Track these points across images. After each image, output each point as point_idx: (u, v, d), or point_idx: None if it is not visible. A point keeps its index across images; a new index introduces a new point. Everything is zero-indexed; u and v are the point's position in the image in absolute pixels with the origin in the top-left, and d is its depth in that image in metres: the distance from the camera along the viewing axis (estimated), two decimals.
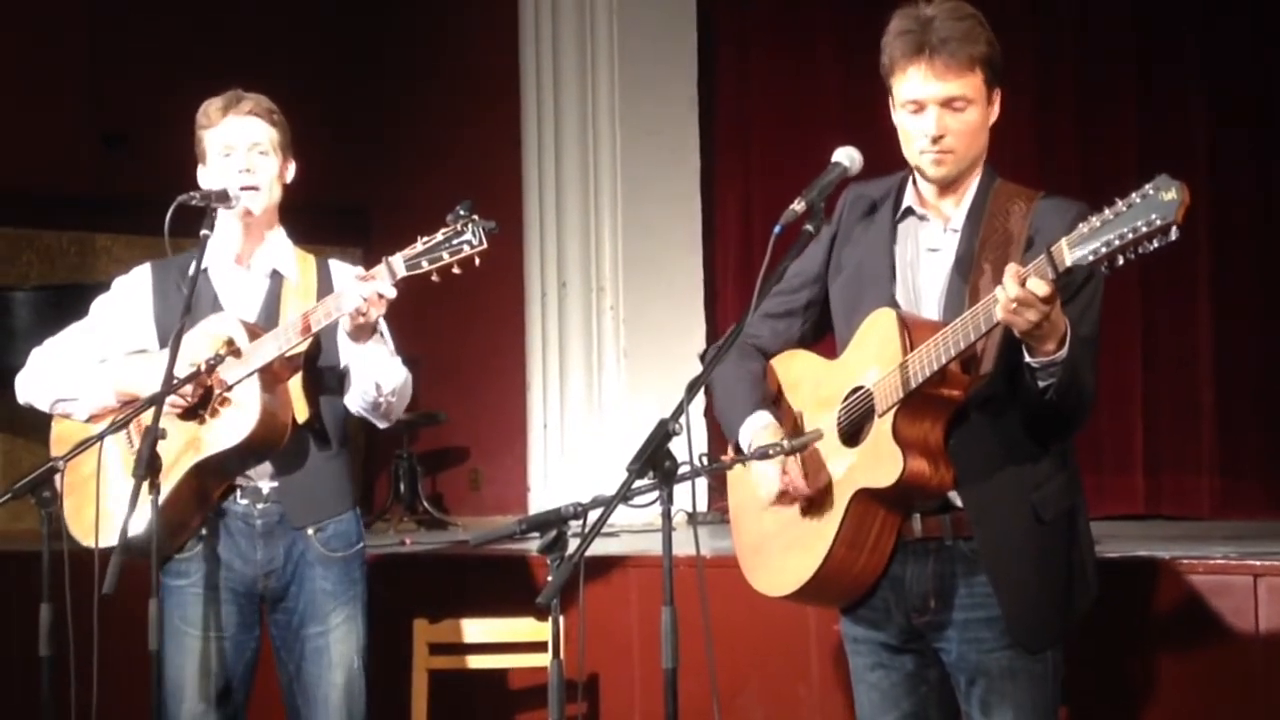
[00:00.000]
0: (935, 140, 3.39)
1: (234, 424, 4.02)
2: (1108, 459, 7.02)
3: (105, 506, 3.93)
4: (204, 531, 4.14)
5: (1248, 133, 7.00)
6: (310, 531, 4.16)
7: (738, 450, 3.63)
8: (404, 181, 8.57)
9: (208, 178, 4.18)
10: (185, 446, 4.03)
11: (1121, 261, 3.03)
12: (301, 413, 4.09)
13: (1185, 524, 6.76)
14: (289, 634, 4.19)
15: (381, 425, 4.26)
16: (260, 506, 4.14)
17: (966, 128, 3.40)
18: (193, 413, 4.05)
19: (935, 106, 3.38)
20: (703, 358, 3.78)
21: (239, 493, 4.14)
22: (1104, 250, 3.02)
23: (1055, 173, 7.04)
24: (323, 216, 7.94)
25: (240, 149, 4.14)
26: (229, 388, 4.01)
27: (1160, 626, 4.31)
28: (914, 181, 3.53)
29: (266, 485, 4.15)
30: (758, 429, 3.56)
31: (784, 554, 3.57)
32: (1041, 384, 3.24)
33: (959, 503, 3.41)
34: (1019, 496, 3.38)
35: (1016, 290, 3.10)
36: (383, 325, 4.12)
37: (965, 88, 3.37)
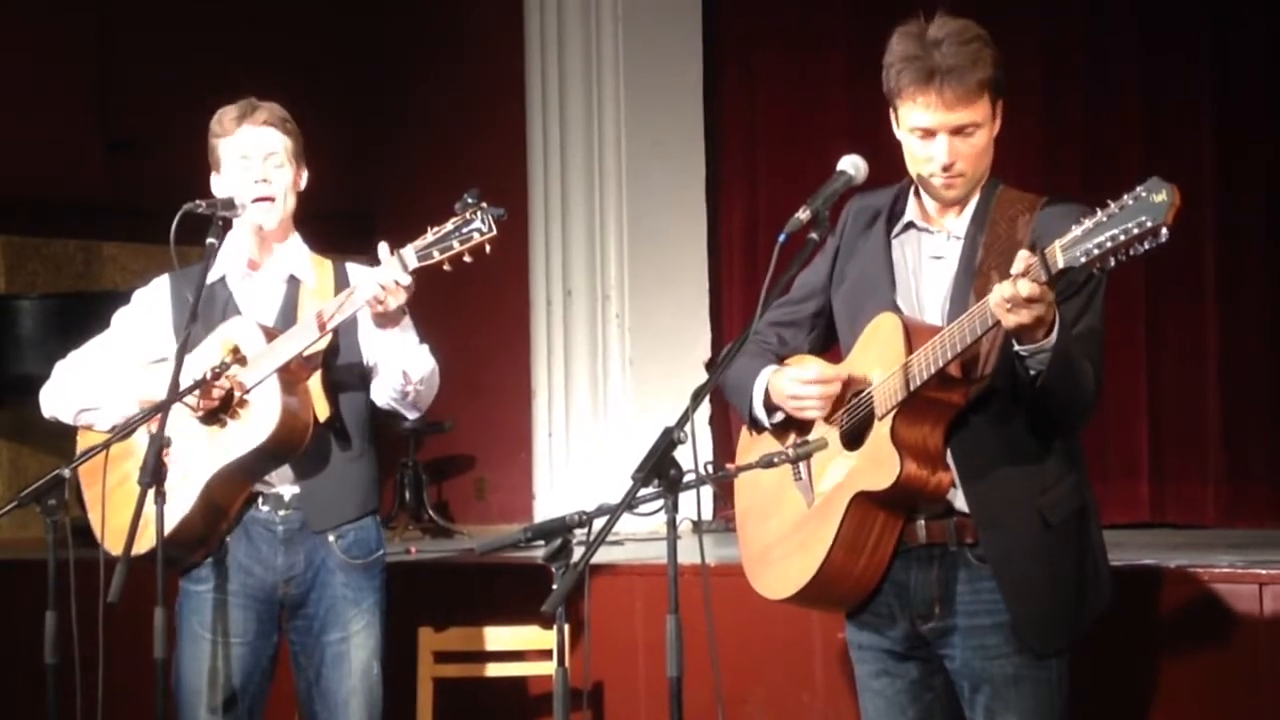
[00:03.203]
0: (946, 168, 3.40)
1: (254, 426, 4.02)
2: (1113, 466, 7.01)
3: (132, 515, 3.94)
4: (229, 538, 4.14)
5: (1255, 134, 7.00)
6: (331, 538, 4.15)
7: (752, 423, 3.64)
8: (409, 189, 8.58)
9: (221, 186, 4.18)
10: (208, 451, 4.03)
11: (1114, 263, 3.05)
12: (322, 412, 4.09)
13: (1191, 532, 6.76)
14: (309, 639, 4.19)
15: (410, 415, 4.25)
16: (282, 513, 4.14)
17: (975, 150, 3.41)
18: (214, 417, 4.05)
19: (945, 135, 3.38)
20: (709, 366, 3.78)
21: (261, 499, 4.15)
22: (1095, 252, 3.03)
23: (1061, 174, 7.05)
24: (328, 223, 7.91)
25: (256, 159, 4.14)
26: (247, 390, 4.02)
27: (1165, 635, 4.31)
28: (915, 193, 3.54)
29: (288, 492, 4.14)
30: (770, 377, 3.57)
31: (786, 558, 3.58)
32: (1032, 371, 3.25)
33: (962, 507, 3.41)
34: (1025, 501, 3.39)
35: (1010, 290, 3.11)
36: (407, 314, 4.12)
37: (974, 114, 3.37)
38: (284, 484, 4.14)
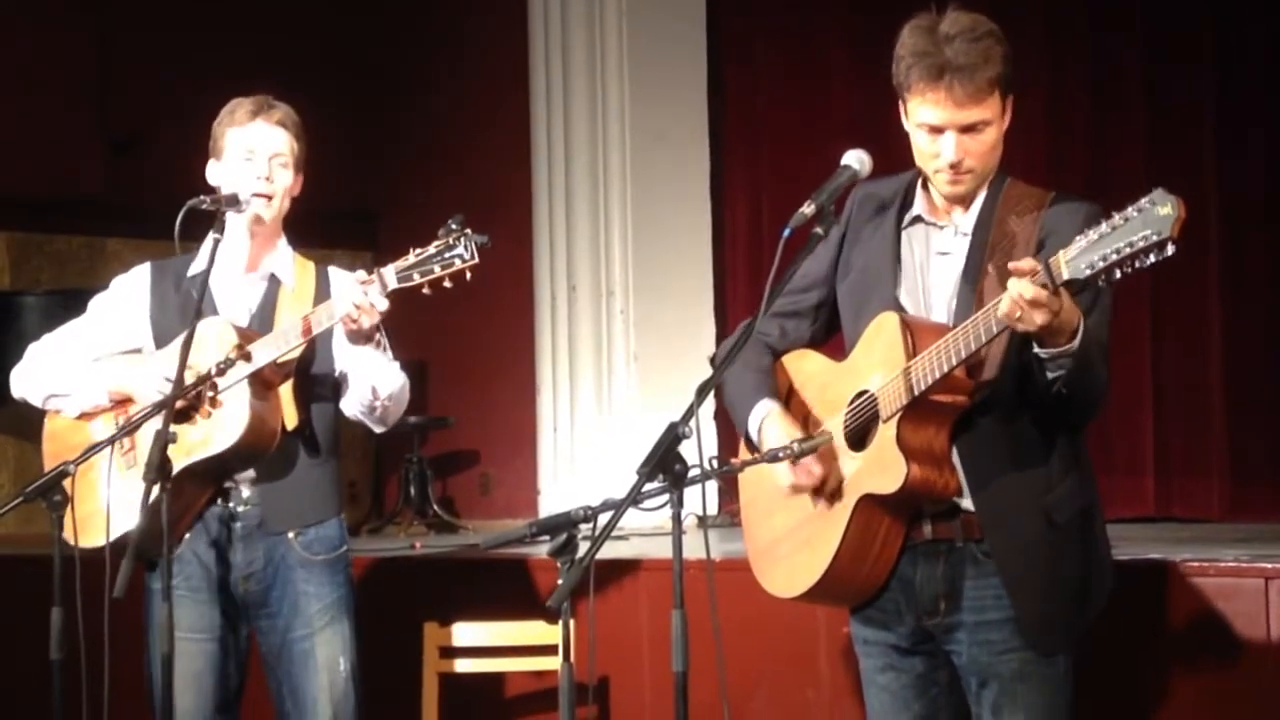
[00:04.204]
0: (954, 165, 3.38)
1: (223, 428, 4.02)
2: (1119, 461, 7.01)
3: (93, 507, 3.93)
4: (188, 535, 4.14)
5: (1258, 132, 7.00)
6: (291, 535, 4.15)
7: (747, 442, 3.64)
8: (414, 186, 8.58)
9: (220, 174, 4.18)
10: (175, 449, 4.02)
11: (1119, 275, 3.03)
12: (291, 419, 4.10)
13: (1196, 526, 6.76)
14: (275, 639, 4.19)
15: (378, 430, 4.27)
16: (241, 509, 4.14)
17: (984, 147, 3.38)
18: (183, 415, 4.04)
19: (954, 132, 3.35)
20: (713, 361, 3.78)
21: (221, 496, 4.14)
22: (1100, 265, 3.02)
23: (1066, 171, 7.04)
24: (333, 221, 7.96)
25: (262, 156, 4.14)
26: (219, 391, 4.01)
27: (1171, 629, 4.30)
28: (924, 186, 3.52)
29: (247, 489, 4.14)
30: (764, 416, 3.57)
31: (792, 556, 3.57)
32: (1050, 375, 3.23)
33: (968, 506, 3.40)
34: (1031, 501, 3.38)
35: (1015, 292, 3.09)
36: (382, 331, 4.12)
37: (984, 112, 3.34)
38: (244, 482, 4.14)
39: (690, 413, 3.14)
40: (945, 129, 3.35)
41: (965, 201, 3.47)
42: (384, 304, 3.91)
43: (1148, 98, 7.21)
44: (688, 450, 3.13)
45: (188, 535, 4.13)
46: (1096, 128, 7.31)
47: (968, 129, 3.35)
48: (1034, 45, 7.13)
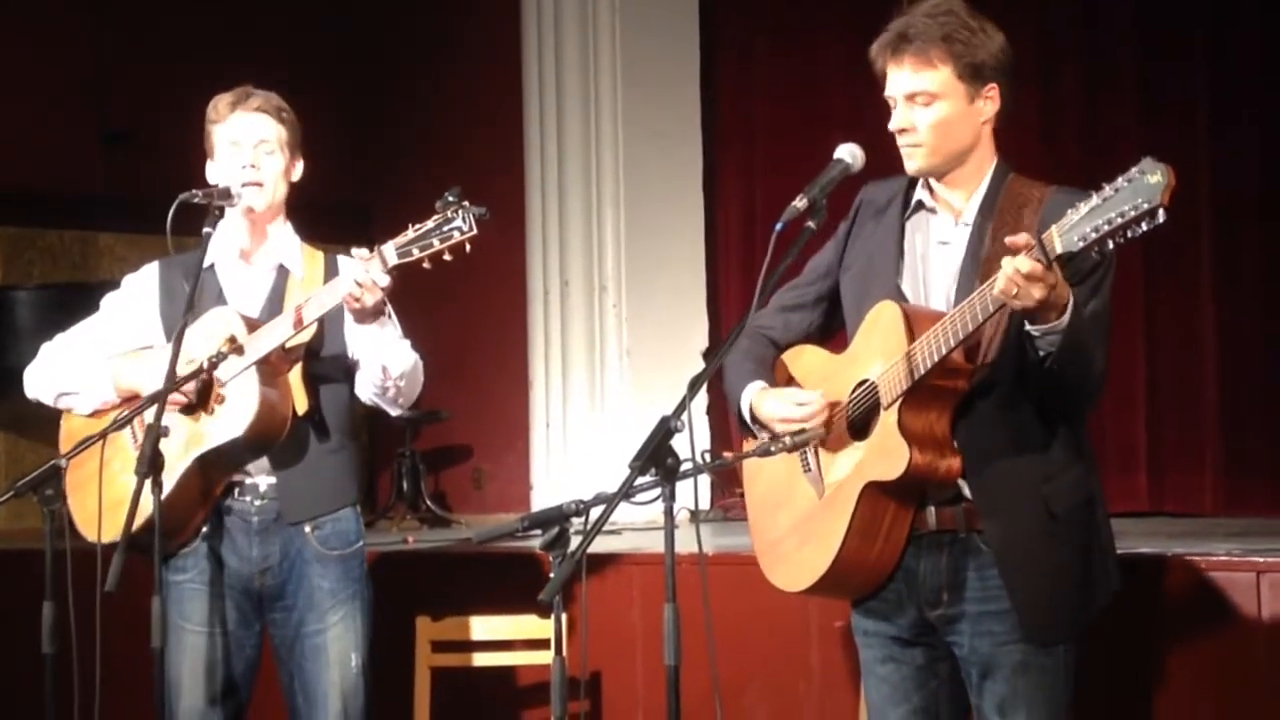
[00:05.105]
0: (902, 134, 3.43)
1: (233, 417, 4.02)
2: (1111, 456, 7.02)
3: (109, 501, 3.93)
4: (205, 528, 4.14)
5: (1253, 129, 7.01)
6: (307, 529, 4.15)
7: (741, 426, 3.65)
8: (407, 180, 8.56)
9: (215, 173, 4.18)
10: (186, 441, 4.03)
11: (1112, 245, 3.05)
12: (301, 404, 4.09)
13: (1188, 521, 6.77)
14: (288, 632, 4.19)
15: (393, 412, 4.25)
16: (258, 504, 4.13)
17: (930, 122, 3.42)
18: (193, 408, 4.05)
19: (901, 100, 3.43)
20: (706, 356, 3.79)
21: (237, 489, 4.14)
22: (1093, 235, 3.05)
23: (1060, 168, 7.04)
24: (325, 214, 7.92)
25: (246, 145, 4.14)
26: (225, 383, 4.02)
27: (1163, 623, 4.31)
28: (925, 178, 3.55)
29: (264, 482, 4.14)
30: (754, 394, 3.60)
31: (799, 549, 3.58)
32: (1042, 352, 3.25)
33: (971, 494, 3.41)
34: (1029, 489, 3.39)
35: (1010, 269, 3.11)
36: (389, 309, 4.11)
37: (928, 82, 3.40)
38: (260, 474, 4.14)
39: (682, 407, 3.15)
40: (893, 96, 3.44)
41: (963, 184, 3.48)
42: (385, 280, 3.90)
43: (1141, 95, 7.22)
44: (680, 444, 3.14)
45: (204, 529, 4.13)
46: (1089, 125, 7.32)
47: (912, 98, 3.42)
48: (1027, 42, 7.13)
